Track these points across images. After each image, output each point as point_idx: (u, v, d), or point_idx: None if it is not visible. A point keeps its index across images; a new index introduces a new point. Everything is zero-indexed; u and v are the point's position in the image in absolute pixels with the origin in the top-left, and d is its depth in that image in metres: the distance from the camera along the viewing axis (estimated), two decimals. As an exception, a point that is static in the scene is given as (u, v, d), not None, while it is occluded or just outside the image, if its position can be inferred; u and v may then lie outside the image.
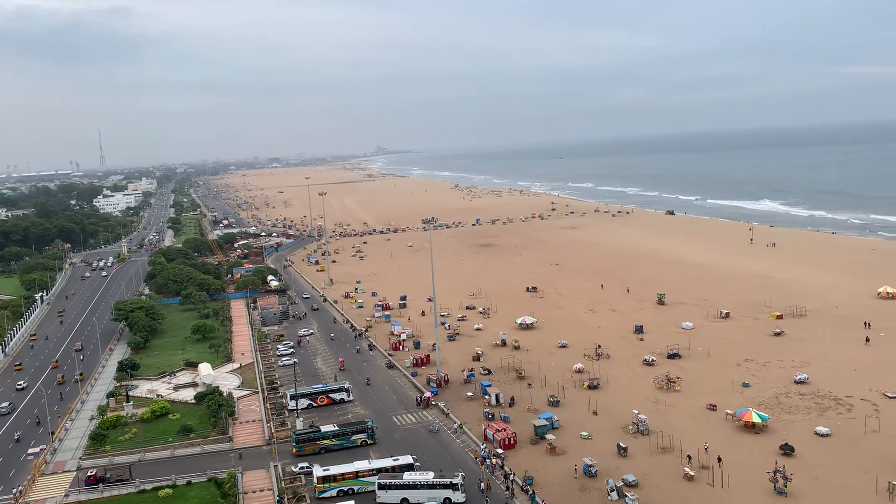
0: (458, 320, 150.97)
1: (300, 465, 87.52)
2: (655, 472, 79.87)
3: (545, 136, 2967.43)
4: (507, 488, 78.38)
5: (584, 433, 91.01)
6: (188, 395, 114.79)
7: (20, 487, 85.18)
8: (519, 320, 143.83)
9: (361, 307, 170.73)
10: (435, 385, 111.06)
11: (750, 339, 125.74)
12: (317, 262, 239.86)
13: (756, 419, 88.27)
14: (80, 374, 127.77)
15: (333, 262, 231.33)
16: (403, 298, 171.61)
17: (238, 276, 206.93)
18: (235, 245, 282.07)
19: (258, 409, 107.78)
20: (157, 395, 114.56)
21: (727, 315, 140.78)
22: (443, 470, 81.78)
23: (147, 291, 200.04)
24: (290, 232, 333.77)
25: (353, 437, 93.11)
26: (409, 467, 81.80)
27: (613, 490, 74.96)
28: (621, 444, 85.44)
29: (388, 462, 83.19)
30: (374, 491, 78.95)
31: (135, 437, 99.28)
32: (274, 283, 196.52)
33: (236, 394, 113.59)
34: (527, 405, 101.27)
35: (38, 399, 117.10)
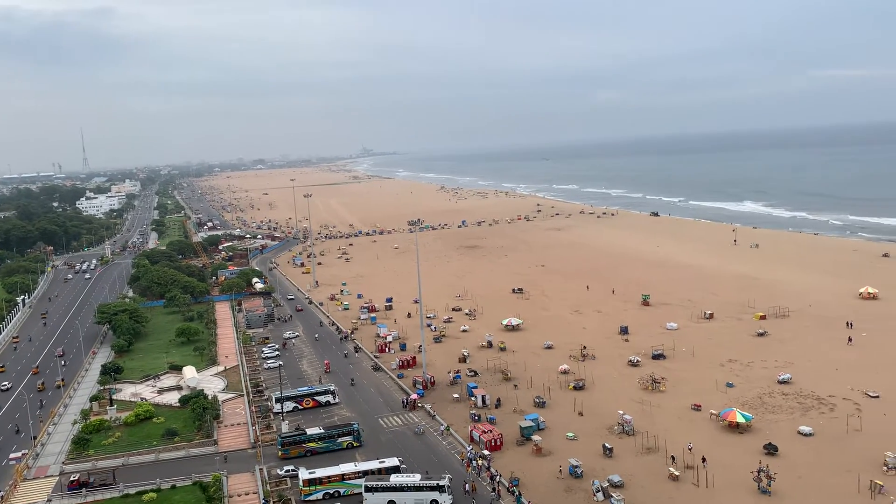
0: (445, 322, 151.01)
1: (286, 467, 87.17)
2: (641, 472, 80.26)
3: (530, 138, 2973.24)
4: (494, 489, 78.47)
5: (570, 434, 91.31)
6: (172, 398, 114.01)
7: (1, 493, 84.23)
8: (505, 322, 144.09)
9: (347, 309, 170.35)
10: (421, 387, 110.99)
11: (734, 340, 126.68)
12: (302, 265, 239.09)
13: (740, 419, 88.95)
14: (62, 381, 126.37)
15: (319, 264, 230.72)
16: (389, 300, 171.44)
17: (223, 278, 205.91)
18: (220, 247, 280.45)
19: (243, 412, 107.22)
20: (141, 399, 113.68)
21: (711, 316, 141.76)
22: (429, 472, 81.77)
23: (131, 294, 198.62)
24: (276, 234, 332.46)
25: (339, 440, 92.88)
26: (396, 469, 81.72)
27: (599, 490, 75.26)
28: (607, 445, 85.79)
29: (374, 464, 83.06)
30: (360, 493, 78.75)
31: (118, 441, 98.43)
32: (259, 286, 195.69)
33: (221, 397, 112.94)
34: (513, 406, 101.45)
35: (20, 403, 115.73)
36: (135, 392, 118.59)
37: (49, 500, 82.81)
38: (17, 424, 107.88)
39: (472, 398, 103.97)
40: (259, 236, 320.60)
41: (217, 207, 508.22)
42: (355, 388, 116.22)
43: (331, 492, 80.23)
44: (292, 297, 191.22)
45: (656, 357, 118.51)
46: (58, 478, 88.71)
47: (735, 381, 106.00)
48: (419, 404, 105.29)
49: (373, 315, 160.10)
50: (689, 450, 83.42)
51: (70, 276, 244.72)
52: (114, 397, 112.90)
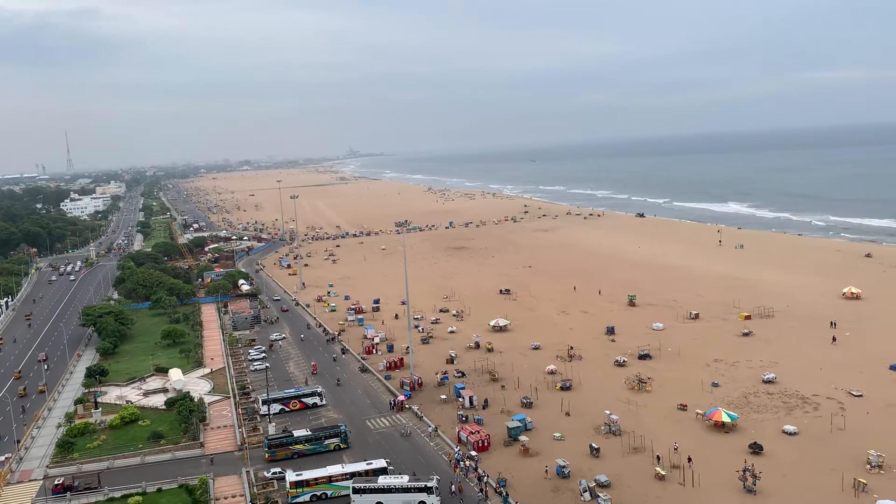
0: (432, 323, 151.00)
1: (273, 470, 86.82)
2: (627, 472, 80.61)
3: (515, 139, 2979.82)
4: (481, 490, 78.56)
5: (557, 434, 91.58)
6: (158, 400, 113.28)
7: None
8: (492, 322, 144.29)
9: (334, 311, 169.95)
10: (408, 388, 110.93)
11: (719, 340, 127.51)
12: (289, 266, 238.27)
13: (725, 419, 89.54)
14: (44, 385, 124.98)
15: (306, 265, 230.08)
16: (377, 302, 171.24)
17: (209, 280, 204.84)
18: (206, 249, 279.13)
19: (230, 414, 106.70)
20: (127, 402, 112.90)
21: (697, 316, 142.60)
22: (416, 473, 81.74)
23: (116, 296, 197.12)
24: (262, 235, 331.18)
25: (326, 442, 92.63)
26: (383, 471, 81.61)
27: (586, 490, 75.51)
28: (594, 445, 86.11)
29: (361, 466, 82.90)
30: (347, 495, 78.61)
31: (103, 445, 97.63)
32: (245, 288, 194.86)
33: (207, 399, 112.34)
34: (500, 407, 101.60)
35: (3, 406, 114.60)
36: (120, 395, 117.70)
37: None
38: None
39: (460, 399, 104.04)
40: (245, 238, 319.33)
41: (203, 209, 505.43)
42: (342, 388, 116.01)
43: (318, 494, 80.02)
44: (278, 297, 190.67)
45: (642, 357, 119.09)
46: (42, 482, 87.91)
47: (720, 380, 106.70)
48: (406, 405, 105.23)
49: (360, 316, 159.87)
50: (675, 449, 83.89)
51: (54, 278, 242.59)
52: (99, 400, 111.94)
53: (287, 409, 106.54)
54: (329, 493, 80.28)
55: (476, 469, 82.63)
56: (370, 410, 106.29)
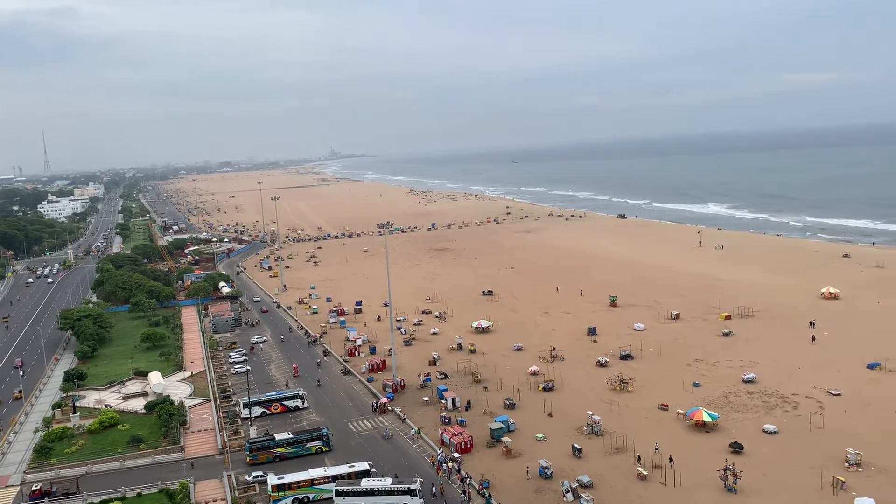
0: (415, 325, 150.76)
1: (254, 473, 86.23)
2: (609, 472, 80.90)
3: (498, 141, 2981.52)
4: (464, 492, 78.48)
5: (540, 435, 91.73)
6: (138, 404, 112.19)
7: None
8: (475, 324, 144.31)
9: (316, 313, 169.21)
10: (391, 390, 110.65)
11: (700, 340, 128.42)
12: (270, 268, 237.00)
13: (706, 418, 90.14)
14: (19, 392, 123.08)
15: (287, 267, 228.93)
16: (359, 304, 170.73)
17: (189, 282, 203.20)
18: (186, 251, 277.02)
19: (210, 417, 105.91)
20: (106, 406, 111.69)
21: (677, 316, 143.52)
22: (398, 475, 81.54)
23: (94, 299, 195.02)
24: (243, 237, 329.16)
25: (308, 445, 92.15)
26: (366, 474, 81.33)
27: (568, 491, 75.66)
28: (576, 446, 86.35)
29: (343, 469, 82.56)
30: (330, 498, 78.30)
31: (82, 449, 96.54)
32: (226, 290, 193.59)
33: (188, 402, 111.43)
34: (483, 408, 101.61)
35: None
36: (99, 399, 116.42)
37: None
38: None
39: (443, 401, 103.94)
40: (226, 240, 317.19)
41: (183, 211, 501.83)
42: (323, 390, 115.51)
43: (300, 497, 79.58)
44: (258, 299, 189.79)
45: (624, 357, 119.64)
46: (19, 487, 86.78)
47: (701, 380, 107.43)
48: (389, 408, 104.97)
49: (342, 319, 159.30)
50: (657, 449, 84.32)
51: (31, 281, 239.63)
52: (77, 404, 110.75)
53: (269, 412, 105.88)
54: (311, 496, 79.85)
55: (459, 471, 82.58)
56: (352, 413, 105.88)
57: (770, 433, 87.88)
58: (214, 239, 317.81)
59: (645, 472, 79.12)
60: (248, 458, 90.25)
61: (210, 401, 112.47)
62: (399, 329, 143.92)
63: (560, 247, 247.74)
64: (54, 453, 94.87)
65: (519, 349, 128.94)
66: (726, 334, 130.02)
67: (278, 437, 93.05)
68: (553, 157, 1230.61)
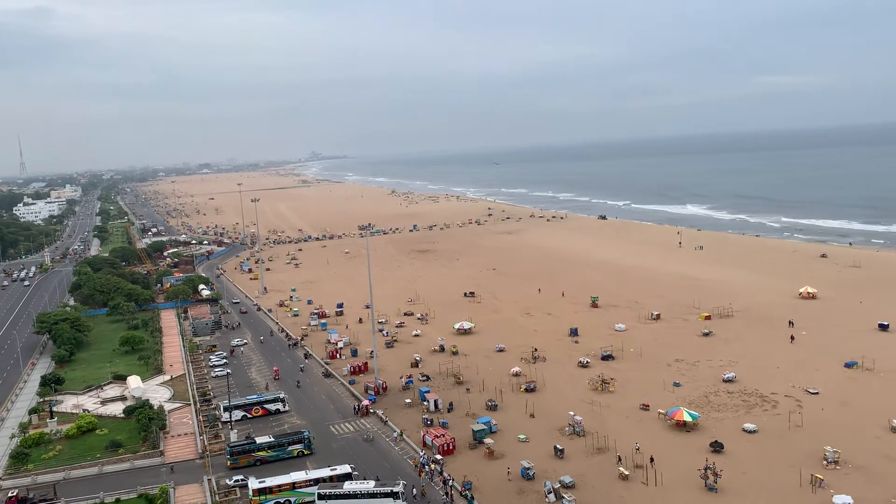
0: (396, 327, 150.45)
1: (235, 477, 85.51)
2: (591, 472, 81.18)
3: (478, 142, 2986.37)
4: (447, 494, 78.36)
5: (522, 436, 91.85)
6: (117, 409, 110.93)
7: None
8: (457, 325, 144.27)
9: (297, 315, 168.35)
10: (373, 393, 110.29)
11: (680, 340, 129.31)
12: (250, 271, 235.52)
13: (687, 418, 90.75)
14: None
15: (267, 270, 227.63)
16: (340, 306, 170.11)
17: (168, 285, 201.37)
18: (165, 253, 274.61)
19: (190, 421, 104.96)
20: (84, 410, 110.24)
21: (658, 316, 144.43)
22: (380, 478, 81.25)
23: (72, 302, 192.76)
24: (223, 240, 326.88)
25: (290, 448, 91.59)
26: (347, 476, 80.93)
27: (551, 492, 75.81)
28: (558, 446, 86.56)
29: (325, 472, 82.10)
30: (312, 502, 77.87)
31: (60, 455, 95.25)
32: (206, 293, 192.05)
33: (167, 406, 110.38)
34: (465, 410, 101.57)
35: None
36: (77, 403, 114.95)
37: (-15, 518, 79.77)
38: None
39: (425, 403, 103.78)
40: (205, 242, 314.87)
41: (162, 213, 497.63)
42: (304, 392, 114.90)
43: (281, 501, 79.03)
44: (237, 300, 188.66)
45: (605, 358, 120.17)
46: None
47: (682, 380, 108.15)
48: (371, 410, 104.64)
49: (323, 321, 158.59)
50: (638, 449, 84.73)
51: (7, 284, 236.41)
52: (54, 409, 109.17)
53: (249, 416, 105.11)
54: (293, 499, 79.36)
55: (441, 473, 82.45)
56: (334, 416, 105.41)
57: (750, 432, 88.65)
58: (194, 241, 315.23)
59: (626, 472, 79.49)
60: (228, 462, 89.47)
61: (190, 404, 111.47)
62: (381, 331, 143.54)
63: (542, 248, 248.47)
64: (31, 459, 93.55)
65: (501, 350, 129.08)
66: (706, 334, 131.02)
67: (259, 440, 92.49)
68: (531, 159, 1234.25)
